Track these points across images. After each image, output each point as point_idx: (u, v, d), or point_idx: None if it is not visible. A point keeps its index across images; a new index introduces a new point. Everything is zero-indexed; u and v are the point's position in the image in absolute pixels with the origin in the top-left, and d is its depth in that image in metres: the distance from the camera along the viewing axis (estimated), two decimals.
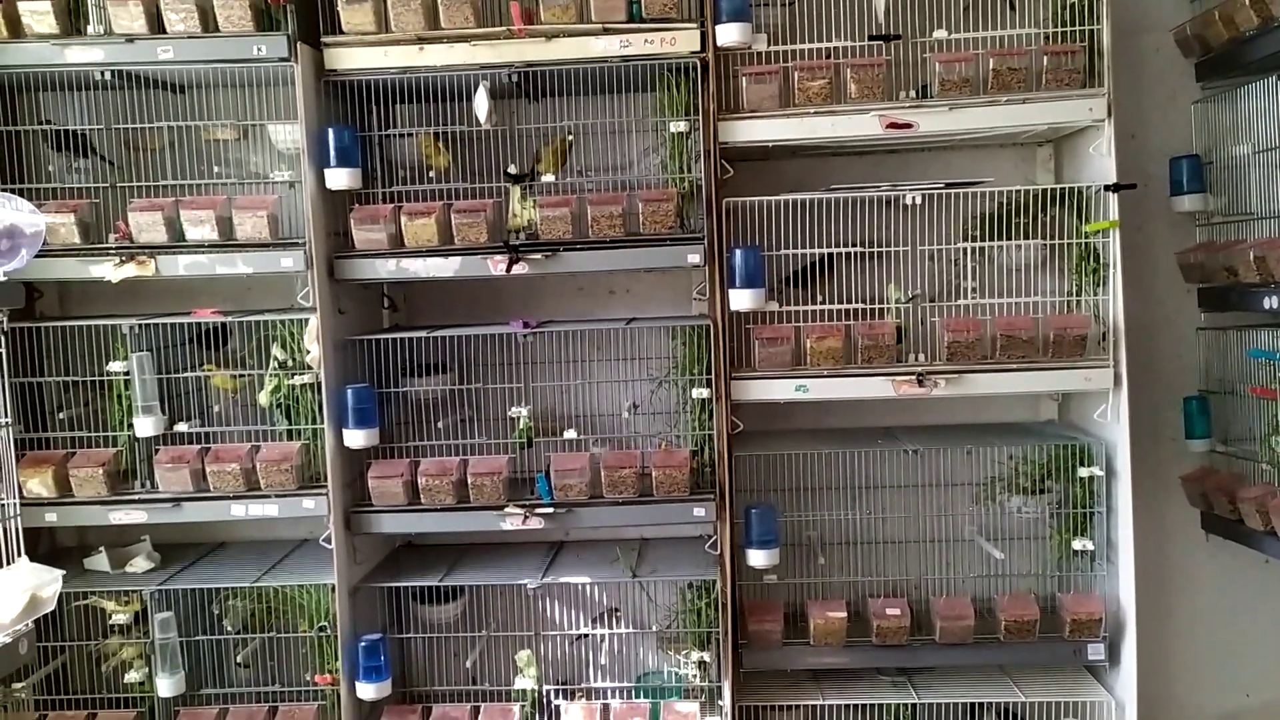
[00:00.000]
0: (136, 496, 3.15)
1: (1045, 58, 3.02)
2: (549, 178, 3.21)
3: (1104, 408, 3.11)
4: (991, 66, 3.02)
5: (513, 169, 3.20)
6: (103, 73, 3.03)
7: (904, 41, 3.17)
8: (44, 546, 3.48)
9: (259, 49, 2.97)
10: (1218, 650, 3.63)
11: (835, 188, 3.19)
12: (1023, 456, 3.38)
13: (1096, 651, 3.16)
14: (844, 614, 3.20)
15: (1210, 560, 3.57)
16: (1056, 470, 3.28)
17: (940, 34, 3.12)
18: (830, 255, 3.25)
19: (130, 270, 3.04)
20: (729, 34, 2.98)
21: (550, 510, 3.12)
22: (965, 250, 3.30)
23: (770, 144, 3.11)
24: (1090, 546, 3.21)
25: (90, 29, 3.02)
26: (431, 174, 3.27)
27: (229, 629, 3.33)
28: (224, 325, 3.29)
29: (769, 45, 3.11)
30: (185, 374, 3.25)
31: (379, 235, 3.09)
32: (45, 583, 2.43)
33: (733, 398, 3.13)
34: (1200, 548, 3.54)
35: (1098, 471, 3.19)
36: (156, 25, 2.99)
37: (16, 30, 3.00)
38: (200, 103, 3.35)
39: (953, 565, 3.44)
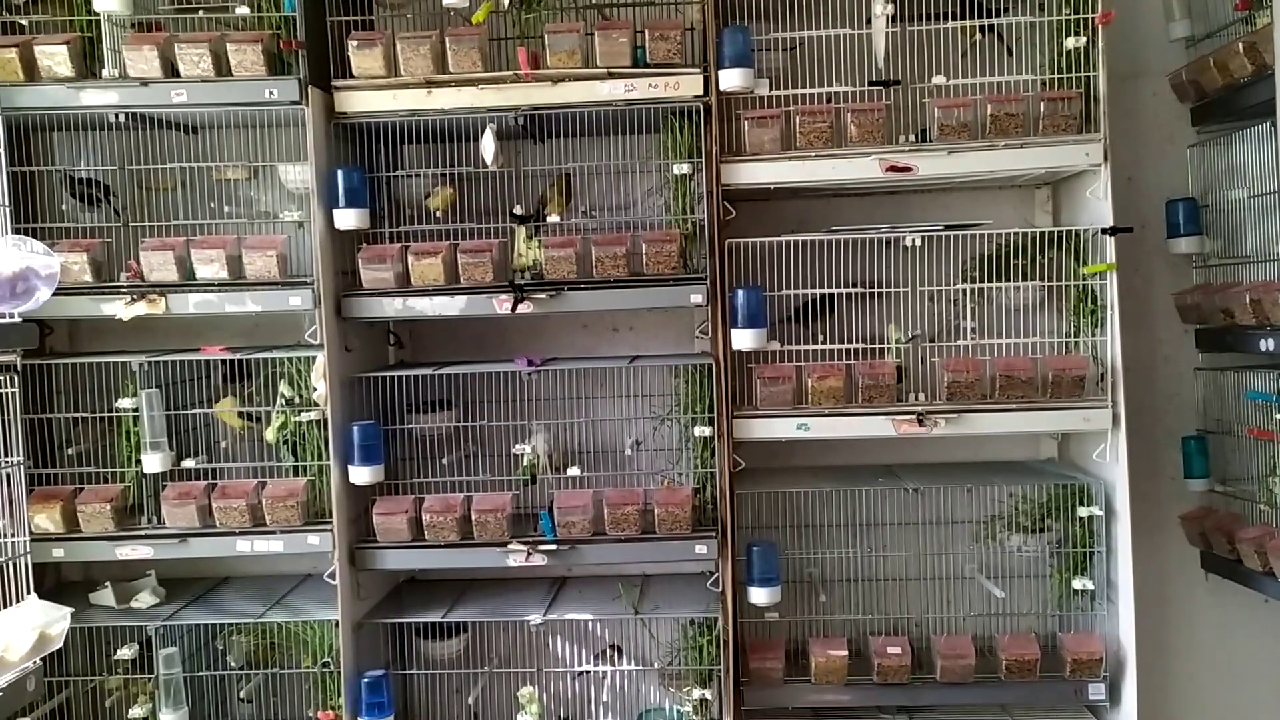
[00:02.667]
0: (143, 532, 3.17)
1: (1042, 103, 3.07)
2: (554, 218, 3.26)
3: (1103, 447, 3.14)
4: (989, 112, 3.07)
5: (518, 209, 3.25)
6: (116, 114, 3.08)
7: (903, 87, 3.23)
8: (50, 581, 3.50)
9: (271, 92, 3.03)
10: (1218, 690, 3.64)
11: (836, 229, 3.24)
12: (1022, 495, 3.41)
13: (1097, 691, 3.17)
14: (845, 652, 3.21)
15: (1210, 600, 3.58)
16: (1056, 509, 3.31)
17: (939, 80, 3.18)
18: (827, 294, 3.29)
19: (141, 308, 3.08)
20: (731, 79, 3.04)
21: (553, 547, 3.14)
22: (964, 291, 3.34)
23: (772, 186, 3.16)
24: (1090, 586, 3.22)
25: (105, 72, 3.08)
26: (438, 214, 3.31)
27: (232, 665, 3.34)
28: (244, 362, 3.33)
29: (771, 90, 3.16)
30: (193, 410, 3.28)
31: (386, 274, 3.13)
32: (53, 620, 2.45)
33: (735, 436, 3.16)
34: (1200, 587, 3.55)
35: (1097, 511, 3.20)
36: (170, 69, 3.05)
37: (32, 73, 3.05)
38: (211, 143, 3.41)
39: (953, 604, 3.46)
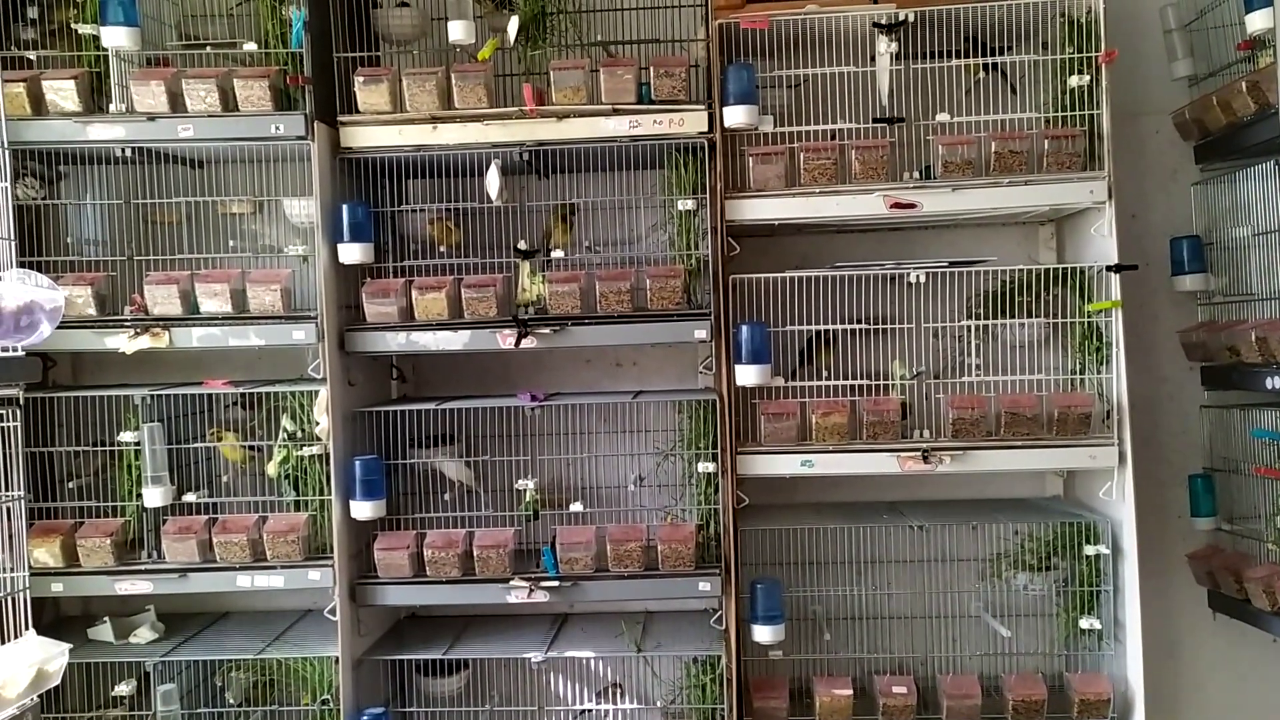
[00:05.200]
0: (143, 567, 3.15)
1: (1046, 141, 3.08)
2: (559, 253, 3.26)
3: (1109, 485, 3.12)
4: (993, 149, 3.08)
5: (523, 244, 3.25)
6: (123, 149, 3.10)
7: (907, 124, 3.24)
8: (48, 616, 3.47)
9: (277, 127, 3.04)
10: None
11: (840, 265, 3.24)
12: (1028, 533, 3.38)
13: None
14: (850, 691, 3.18)
15: (1218, 639, 3.55)
16: (1062, 547, 3.28)
17: (943, 117, 3.19)
18: (829, 330, 3.28)
19: (144, 342, 3.07)
20: (736, 116, 3.05)
21: (556, 584, 3.12)
22: (969, 328, 3.33)
23: (776, 222, 3.16)
24: (1097, 625, 3.20)
25: (112, 107, 3.09)
26: (442, 249, 3.32)
27: (231, 701, 3.31)
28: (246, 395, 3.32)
29: (775, 126, 3.17)
30: (195, 444, 3.27)
31: (390, 309, 3.13)
32: (51, 656, 2.43)
33: (738, 472, 3.14)
34: (1207, 626, 3.52)
35: (1104, 549, 3.18)
36: (177, 104, 3.06)
37: (40, 107, 3.07)
38: (217, 177, 3.42)
39: (959, 642, 3.43)
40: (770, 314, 3.22)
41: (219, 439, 3.27)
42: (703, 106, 3.09)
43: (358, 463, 3.09)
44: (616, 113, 3.09)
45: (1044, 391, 3.22)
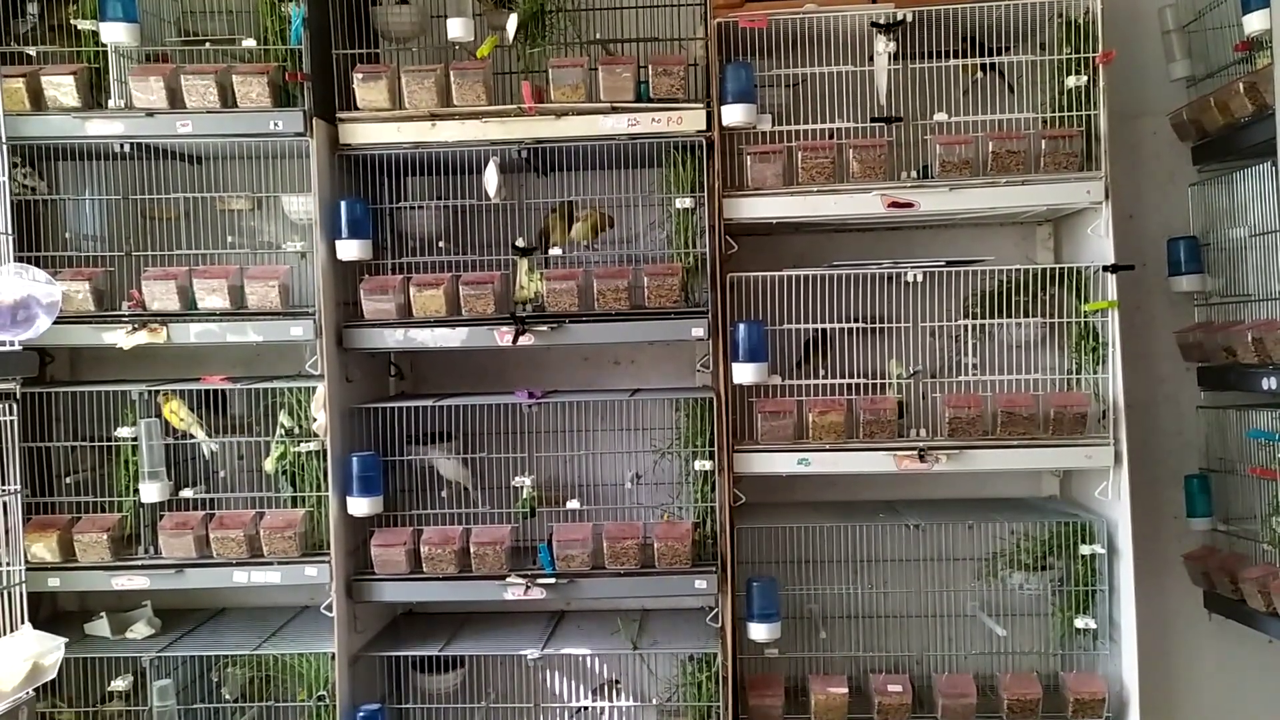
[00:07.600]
0: (139, 562, 3.15)
1: (1044, 141, 3.08)
2: (556, 250, 3.27)
3: (1105, 485, 3.13)
4: (991, 149, 3.08)
5: (521, 242, 3.26)
6: (122, 145, 3.10)
7: (905, 123, 3.24)
8: (45, 611, 3.48)
9: (276, 124, 3.04)
10: None
11: (838, 264, 3.24)
12: (1024, 533, 3.39)
13: None
14: (845, 690, 3.19)
15: (1213, 640, 3.55)
16: (1058, 547, 3.29)
17: (941, 117, 3.19)
18: (828, 329, 3.29)
19: (142, 337, 3.08)
20: (734, 114, 3.05)
21: (552, 581, 3.12)
22: (966, 327, 3.33)
23: (774, 221, 3.17)
24: (1093, 625, 3.20)
25: (111, 103, 3.09)
26: (441, 245, 3.32)
27: (227, 697, 3.31)
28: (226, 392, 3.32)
29: (773, 125, 3.18)
30: (192, 440, 3.27)
31: (388, 305, 3.13)
32: (47, 650, 2.43)
33: (735, 470, 3.15)
34: (1203, 627, 3.53)
35: (1099, 549, 3.19)
36: (176, 100, 3.06)
37: (39, 103, 3.07)
38: (215, 174, 3.42)
39: (955, 641, 3.43)
40: (767, 312, 3.23)
41: (165, 402, 3.22)
42: (701, 105, 3.10)
43: (355, 459, 3.10)
44: (615, 111, 3.09)
45: (1040, 391, 3.22)
